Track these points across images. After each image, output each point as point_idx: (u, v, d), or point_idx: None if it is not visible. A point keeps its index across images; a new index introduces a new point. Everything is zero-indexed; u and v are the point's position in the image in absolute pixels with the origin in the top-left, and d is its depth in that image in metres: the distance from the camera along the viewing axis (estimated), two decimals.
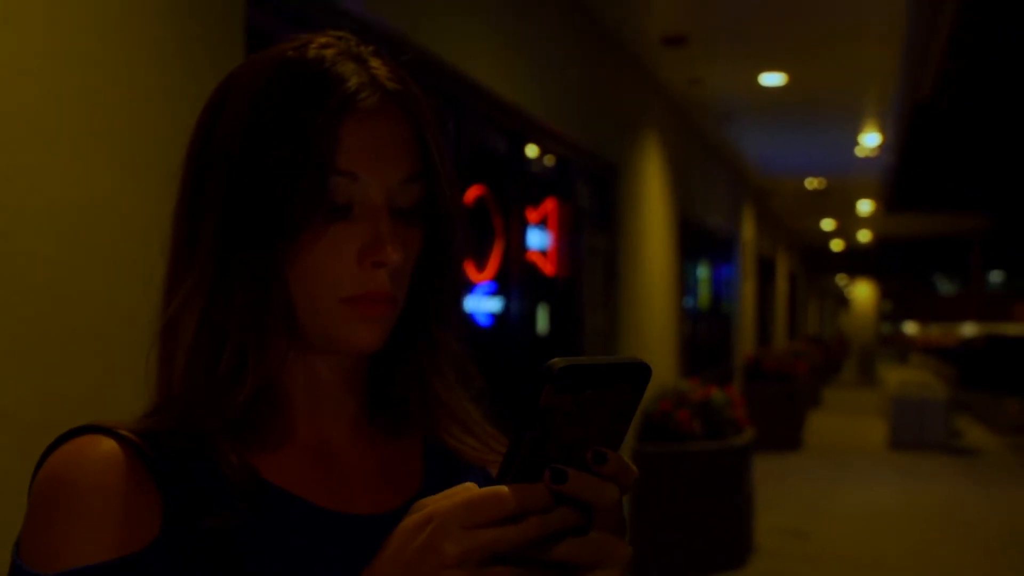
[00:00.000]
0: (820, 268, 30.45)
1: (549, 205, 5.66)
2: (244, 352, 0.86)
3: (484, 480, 1.00)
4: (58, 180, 2.04)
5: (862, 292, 32.37)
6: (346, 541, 0.86)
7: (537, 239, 5.48)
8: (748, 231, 14.32)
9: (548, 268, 5.64)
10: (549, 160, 5.80)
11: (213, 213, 0.86)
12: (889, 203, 16.06)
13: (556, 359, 0.66)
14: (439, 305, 0.96)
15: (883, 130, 10.36)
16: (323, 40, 0.89)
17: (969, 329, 33.95)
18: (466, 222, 0.96)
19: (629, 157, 7.24)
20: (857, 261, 29.18)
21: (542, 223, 5.58)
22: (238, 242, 0.85)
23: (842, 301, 37.40)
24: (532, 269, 5.37)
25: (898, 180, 13.28)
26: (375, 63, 0.90)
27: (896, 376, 16.69)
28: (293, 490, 0.87)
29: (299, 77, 0.85)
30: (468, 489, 0.70)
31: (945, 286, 37.74)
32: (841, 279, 35.12)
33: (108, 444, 0.82)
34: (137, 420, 0.87)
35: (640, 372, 0.69)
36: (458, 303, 0.98)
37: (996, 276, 37.91)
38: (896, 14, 6.51)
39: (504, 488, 0.68)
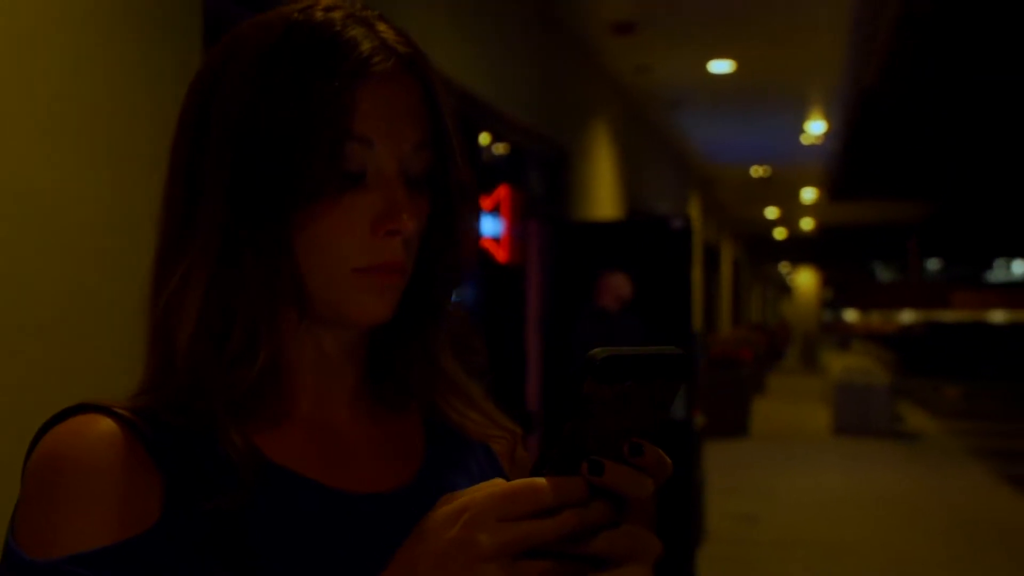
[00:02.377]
0: (763, 256, 30.77)
1: (502, 192, 5.64)
2: (254, 328, 0.83)
3: (486, 456, 0.98)
4: (21, 167, 1.98)
5: (804, 280, 32.74)
6: (350, 521, 0.84)
7: (490, 226, 5.46)
8: (694, 219, 14.40)
9: (501, 255, 5.61)
10: (501, 147, 5.77)
11: (217, 184, 0.82)
12: (832, 191, 16.26)
13: (598, 349, 0.64)
14: (444, 276, 0.93)
15: (828, 118, 10.45)
16: (327, 2, 0.86)
17: (908, 316, 34.51)
18: (474, 190, 0.94)
19: (580, 144, 7.24)
20: (800, 249, 29.52)
21: (495, 210, 5.56)
22: (246, 213, 0.82)
23: (785, 289, 37.81)
24: (485, 256, 5.35)
25: (842, 168, 13.43)
26: (382, 27, 0.87)
27: (839, 363, 16.90)
28: (296, 469, 0.84)
29: (309, 41, 0.82)
30: (501, 482, 0.68)
31: (884, 274, 38.30)
32: (784, 267, 35.49)
33: (106, 423, 0.79)
34: (132, 398, 0.83)
35: (679, 363, 0.68)
36: (463, 274, 0.95)
37: (933, 264, 38.56)
38: (843, 3, 6.56)
39: (541, 480, 0.66)
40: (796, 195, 17.83)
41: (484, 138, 5.37)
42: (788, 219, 23.34)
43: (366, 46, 0.83)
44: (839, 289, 35.61)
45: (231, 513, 0.78)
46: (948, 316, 31.69)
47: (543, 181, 6.49)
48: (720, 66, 7.98)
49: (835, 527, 8.21)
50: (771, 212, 21.48)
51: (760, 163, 14.02)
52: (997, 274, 40.49)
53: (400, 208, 0.83)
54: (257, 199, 0.81)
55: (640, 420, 0.68)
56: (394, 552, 0.73)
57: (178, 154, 0.86)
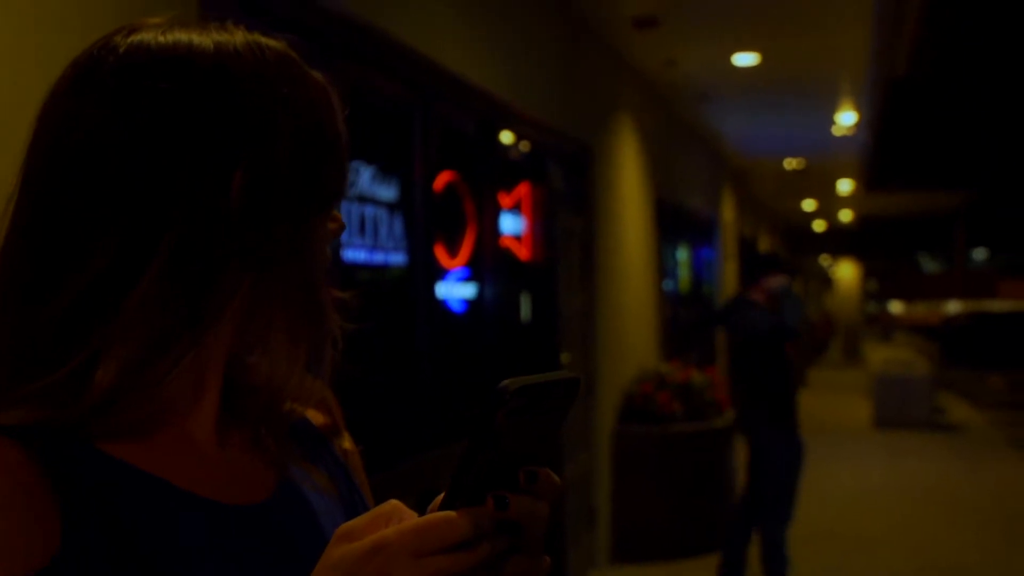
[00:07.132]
0: (803, 249, 30.46)
1: (522, 189, 5.64)
2: (193, 349, 0.81)
3: (326, 445, 1.00)
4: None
5: (846, 272, 32.42)
6: (234, 534, 0.82)
7: (511, 224, 5.45)
8: (728, 213, 14.32)
9: (523, 253, 5.61)
10: (523, 145, 5.77)
11: (213, 190, 0.80)
12: (869, 182, 16.07)
13: (507, 381, 0.67)
14: None
15: (859, 108, 10.36)
16: (265, 36, 0.94)
17: (954, 307, 34.06)
18: None
19: (604, 140, 7.22)
20: (840, 241, 29.23)
21: (516, 208, 5.56)
22: (257, 221, 0.82)
23: (826, 281, 37.45)
24: (506, 254, 5.34)
25: (876, 158, 13.28)
26: None
27: (879, 355, 16.75)
28: (178, 483, 0.81)
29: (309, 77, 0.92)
30: (405, 512, 0.70)
31: (929, 264, 37.83)
32: (824, 259, 35.16)
33: None
34: (15, 410, 0.76)
35: (573, 386, 0.72)
36: None
37: (979, 253, 38.02)
38: None
39: (453, 514, 0.68)
40: (832, 187, 17.68)
41: (504, 136, 5.36)
42: (826, 211, 23.15)
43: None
44: (883, 281, 35.19)
45: (130, 533, 0.75)
46: (995, 306, 31.21)
47: (566, 177, 6.48)
48: (745, 59, 7.94)
49: (873, 520, 8.14)
50: (808, 204, 21.30)
51: (793, 155, 13.92)
52: None
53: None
54: (277, 208, 0.82)
55: (537, 442, 0.71)
56: (276, 567, 0.76)
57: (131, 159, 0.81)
